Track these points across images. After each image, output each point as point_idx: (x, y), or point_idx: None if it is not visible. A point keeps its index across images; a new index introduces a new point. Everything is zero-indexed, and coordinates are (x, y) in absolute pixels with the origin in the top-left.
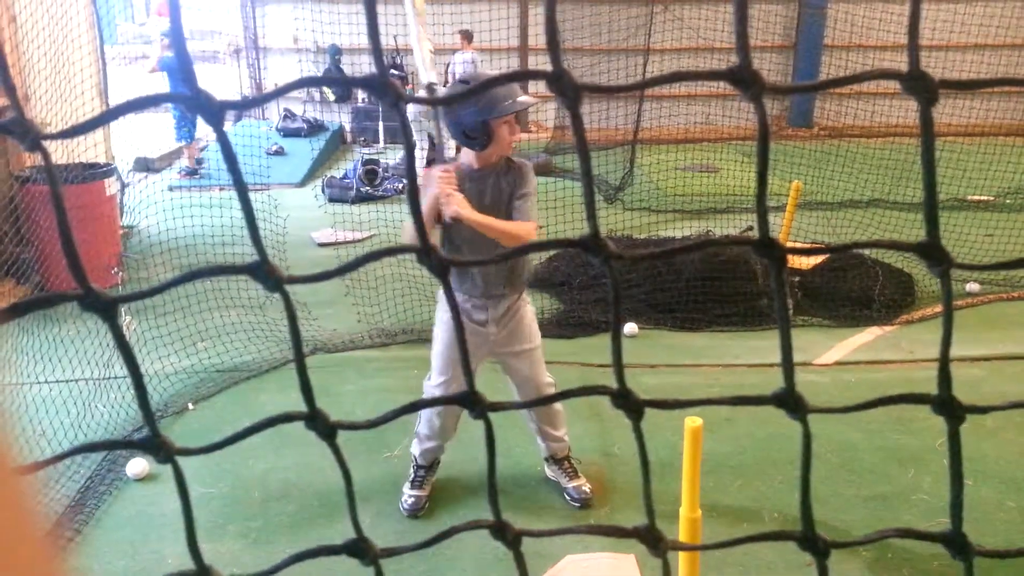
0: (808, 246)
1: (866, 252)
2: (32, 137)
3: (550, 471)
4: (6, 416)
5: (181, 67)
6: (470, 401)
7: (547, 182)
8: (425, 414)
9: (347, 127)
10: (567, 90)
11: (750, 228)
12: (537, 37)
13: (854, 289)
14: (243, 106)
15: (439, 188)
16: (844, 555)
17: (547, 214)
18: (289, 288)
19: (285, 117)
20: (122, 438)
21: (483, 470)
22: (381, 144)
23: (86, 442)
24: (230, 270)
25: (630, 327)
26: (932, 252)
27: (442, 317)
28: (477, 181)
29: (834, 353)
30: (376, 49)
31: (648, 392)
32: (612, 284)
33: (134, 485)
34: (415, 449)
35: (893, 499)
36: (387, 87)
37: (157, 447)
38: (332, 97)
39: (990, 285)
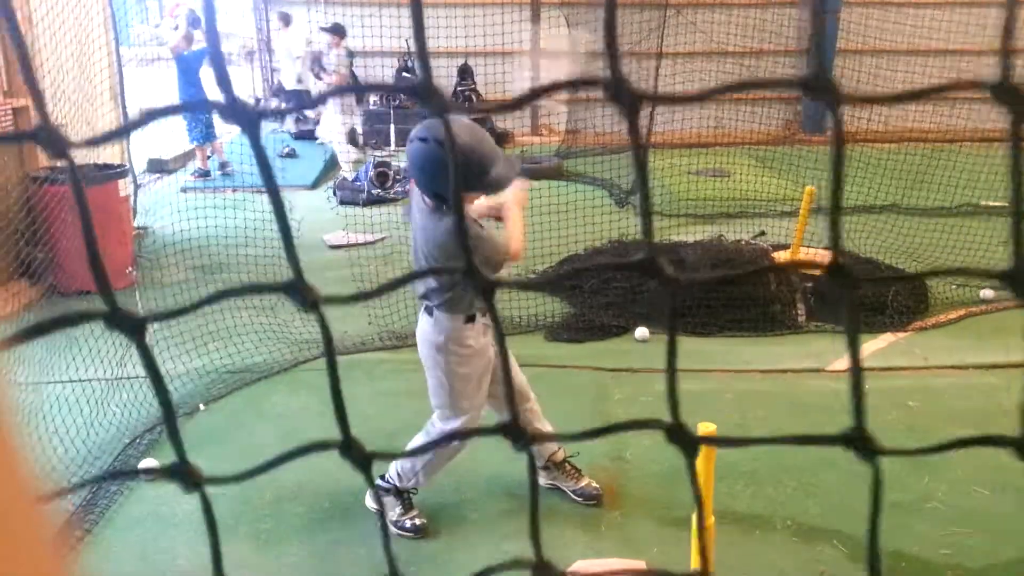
0: (891, 276)
1: (879, 258)
2: (58, 145)
3: (549, 477)
4: (19, 430)
5: (217, 75)
6: (515, 433)
7: (558, 186)
8: (444, 453)
9: (359, 130)
10: (624, 98)
11: (762, 233)
12: (548, 40)
13: (867, 295)
14: (280, 114)
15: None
16: (854, 565)
17: (559, 219)
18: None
19: (297, 120)
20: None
21: (488, 487)
22: (392, 147)
23: (98, 442)
24: (264, 288)
25: (641, 332)
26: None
27: (459, 352)
28: (428, 217)
29: (848, 359)
30: (422, 55)
31: (658, 398)
32: (670, 308)
33: (146, 485)
34: (409, 481)
35: (907, 507)
36: (433, 94)
37: (185, 476)
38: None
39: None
